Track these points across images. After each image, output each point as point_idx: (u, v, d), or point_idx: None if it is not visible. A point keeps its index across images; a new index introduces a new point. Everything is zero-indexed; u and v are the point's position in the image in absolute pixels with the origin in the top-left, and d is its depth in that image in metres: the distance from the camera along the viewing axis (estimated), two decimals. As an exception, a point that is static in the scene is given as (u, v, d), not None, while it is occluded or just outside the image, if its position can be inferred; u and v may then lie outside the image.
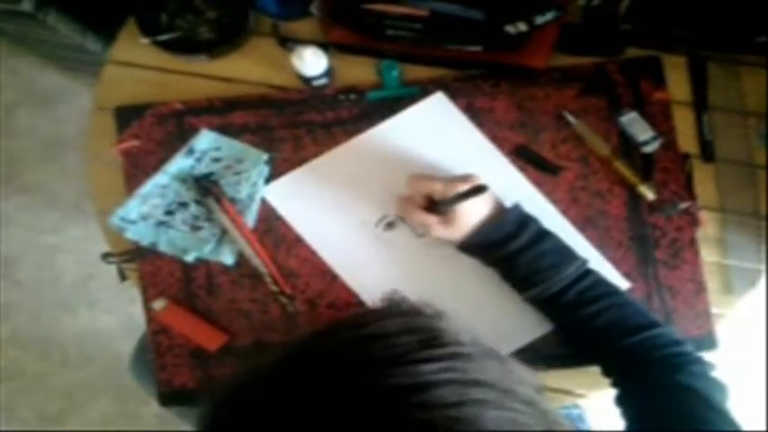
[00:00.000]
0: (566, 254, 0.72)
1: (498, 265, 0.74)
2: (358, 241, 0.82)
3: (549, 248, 0.71)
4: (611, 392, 0.70)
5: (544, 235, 0.72)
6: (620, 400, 0.67)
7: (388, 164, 0.83)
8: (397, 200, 0.79)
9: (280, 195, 0.83)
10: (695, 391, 0.62)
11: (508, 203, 0.75)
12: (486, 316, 0.78)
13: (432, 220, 0.74)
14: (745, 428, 0.58)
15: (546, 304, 0.73)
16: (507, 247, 0.71)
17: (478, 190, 0.70)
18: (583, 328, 0.71)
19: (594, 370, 0.73)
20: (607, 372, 0.71)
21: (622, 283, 0.79)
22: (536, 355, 0.79)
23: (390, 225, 0.82)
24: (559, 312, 0.73)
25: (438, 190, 0.73)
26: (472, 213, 0.72)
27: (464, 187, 0.70)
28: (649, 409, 0.63)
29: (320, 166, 0.84)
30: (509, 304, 0.77)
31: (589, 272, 0.71)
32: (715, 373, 0.66)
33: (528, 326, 0.78)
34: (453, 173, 0.77)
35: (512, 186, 0.81)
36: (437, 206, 0.74)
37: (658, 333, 0.67)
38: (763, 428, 1.37)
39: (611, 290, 0.71)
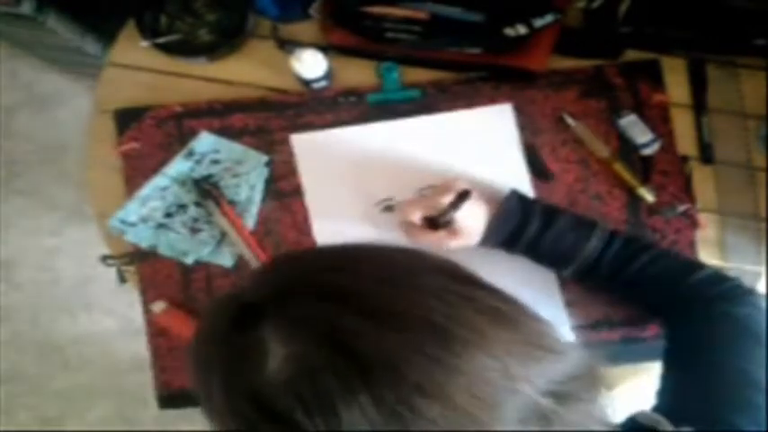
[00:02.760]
0: (583, 225, 0.72)
1: (525, 254, 0.74)
2: (350, 210, 0.82)
3: (563, 226, 0.71)
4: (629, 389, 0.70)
5: (553, 213, 0.72)
6: (672, 339, 0.67)
7: (422, 152, 0.83)
8: (403, 228, 0.78)
9: (305, 147, 0.84)
10: (742, 320, 0.62)
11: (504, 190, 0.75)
12: None
13: (440, 236, 0.74)
14: (744, 429, 0.58)
15: (589, 275, 0.73)
16: (524, 237, 0.72)
17: (464, 195, 0.70)
18: (632, 286, 0.71)
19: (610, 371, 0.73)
20: (668, 317, 0.70)
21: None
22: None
23: (389, 208, 0.82)
24: (606, 279, 0.72)
25: (428, 209, 0.73)
26: (471, 216, 0.72)
27: (449, 197, 0.71)
28: (697, 338, 0.63)
29: (356, 135, 0.84)
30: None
31: (614, 234, 0.71)
32: (765, 304, 0.65)
33: None
34: (475, 179, 0.77)
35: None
36: (437, 222, 0.73)
37: (705, 273, 0.67)
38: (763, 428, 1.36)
39: (643, 245, 0.71)
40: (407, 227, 0.77)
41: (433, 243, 0.74)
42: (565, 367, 0.39)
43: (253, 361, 0.36)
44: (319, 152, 0.83)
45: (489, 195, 0.75)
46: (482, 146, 0.83)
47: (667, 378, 0.61)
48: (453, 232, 0.73)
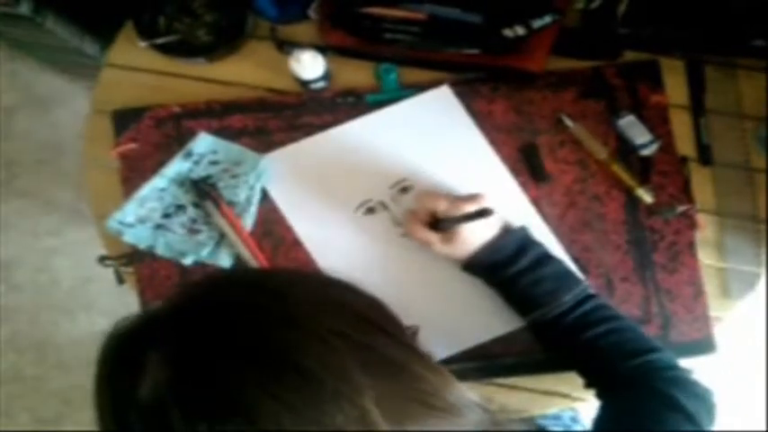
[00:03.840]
0: (566, 279, 0.71)
1: (498, 286, 0.74)
2: (334, 220, 0.82)
3: (548, 274, 0.71)
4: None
5: (545, 260, 0.72)
6: (603, 407, 0.66)
7: (381, 150, 0.83)
8: (403, 215, 0.79)
9: (270, 167, 0.83)
10: (678, 401, 0.60)
11: (516, 223, 0.75)
12: (455, 307, 0.79)
13: (433, 238, 0.73)
14: (745, 429, 0.58)
15: (545, 328, 0.72)
16: (507, 271, 0.71)
17: (484, 213, 0.69)
18: (582, 351, 0.70)
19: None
20: (597, 387, 0.70)
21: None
22: (531, 360, 0.79)
23: (370, 210, 0.82)
24: (558, 336, 0.72)
25: (442, 208, 0.72)
26: (475, 234, 0.72)
27: (470, 208, 0.70)
28: (628, 409, 0.63)
29: (313, 146, 0.84)
30: (478, 297, 0.77)
31: (590, 297, 0.70)
32: (709, 396, 0.64)
33: (497, 319, 0.78)
34: (443, 167, 0.77)
35: (498, 188, 0.82)
36: (440, 224, 0.73)
37: (657, 357, 0.66)
38: (763, 429, 1.37)
39: (611, 315, 0.70)
40: (409, 216, 0.77)
41: (424, 241, 0.74)
42: (456, 428, 0.39)
43: (127, 382, 0.37)
44: (282, 168, 0.83)
45: (501, 221, 0.74)
46: (436, 131, 0.84)
47: None
48: (448, 239, 0.72)
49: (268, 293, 0.41)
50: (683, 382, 0.65)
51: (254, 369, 0.35)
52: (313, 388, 0.35)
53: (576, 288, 0.70)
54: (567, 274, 0.72)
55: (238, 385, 0.34)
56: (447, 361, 0.78)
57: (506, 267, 0.71)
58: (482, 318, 0.79)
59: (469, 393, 0.42)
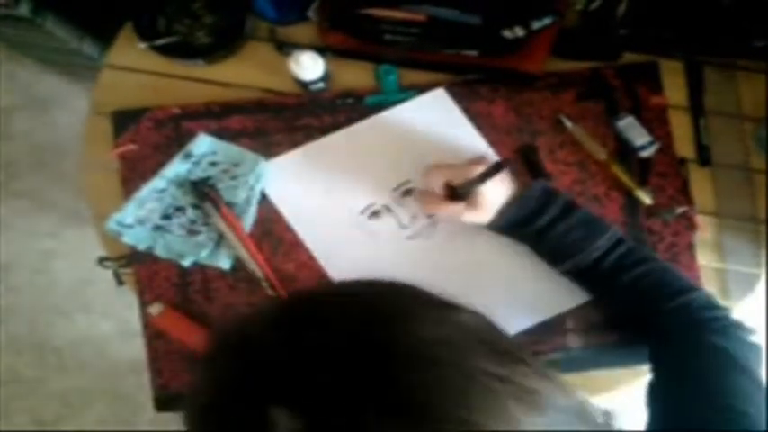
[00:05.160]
0: (596, 224, 0.72)
1: (529, 241, 0.74)
2: (340, 226, 0.82)
3: (578, 221, 0.71)
4: (629, 393, 0.70)
5: (572, 208, 0.72)
6: (657, 362, 0.67)
7: (382, 154, 0.83)
8: (417, 197, 0.79)
9: (272, 175, 0.84)
10: (730, 353, 0.62)
11: None
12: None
13: (458, 208, 0.73)
14: (744, 429, 0.58)
15: (582, 276, 0.73)
16: (535, 223, 0.71)
17: (498, 167, 0.70)
18: (623, 294, 0.71)
19: (610, 373, 0.75)
20: (647, 336, 0.71)
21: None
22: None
23: (375, 214, 0.82)
24: (597, 282, 0.72)
25: (456, 176, 0.72)
26: (497, 193, 0.72)
27: (481, 169, 0.71)
28: (683, 368, 0.63)
29: (314, 151, 0.84)
30: (491, 296, 0.77)
31: (622, 240, 0.71)
32: (752, 337, 0.65)
33: (513, 320, 0.78)
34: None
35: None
36: (458, 192, 0.73)
37: (697, 296, 0.67)
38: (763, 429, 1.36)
39: (647, 255, 0.71)
40: (425, 195, 0.77)
41: (449, 213, 0.74)
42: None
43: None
44: (284, 175, 0.83)
45: (511, 177, 0.75)
46: (434, 132, 0.83)
47: (656, 406, 0.61)
48: (473, 204, 0.72)
49: (388, 326, 0.37)
50: (725, 323, 0.66)
51: (397, 420, 0.32)
52: None
53: (607, 232, 0.71)
54: (596, 219, 0.73)
55: None
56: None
57: (535, 220, 0.71)
58: (498, 318, 0.78)
59: (587, 399, 0.40)
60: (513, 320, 0.78)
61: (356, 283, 0.42)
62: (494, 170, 0.70)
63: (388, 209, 0.82)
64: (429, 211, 0.79)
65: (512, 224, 0.74)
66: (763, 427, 0.55)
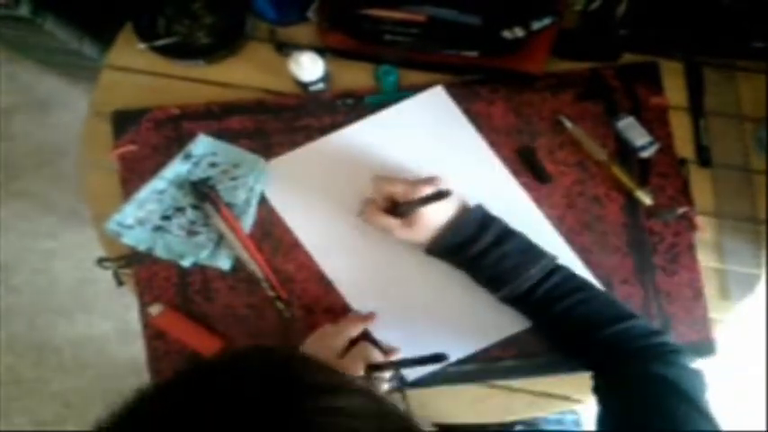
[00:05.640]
0: (531, 253, 0.71)
1: (464, 267, 0.74)
2: (337, 226, 0.82)
3: (512, 249, 0.71)
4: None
5: (507, 235, 0.72)
6: (597, 392, 0.66)
7: (379, 153, 0.83)
8: (360, 202, 0.79)
9: (270, 176, 0.84)
10: (669, 380, 0.61)
11: (473, 203, 0.75)
12: (459, 311, 0.79)
13: (393, 222, 0.73)
14: (744, 429, 0.57)
15: (517, 303, 0.73)
16: (470, 250, 0.71)
17: (441, 195, 0.69)
18: (557, 323, 0.70)
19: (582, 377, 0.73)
20: (587, 366, 0.70)
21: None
22: (533, 362, 0.79)
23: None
24: (532, 310, 0.72)
25: (400, 192, 0.72)
26: (434, 216, 0.72)
27: (427, 191, 0.71)
28: (624, 399, 0.62)
29: (310, 153, 0.84)
30: (481, 299, 0.77)
31: (557, 268, 0.71)
32: (692, 363, 0.64)
33: (502, 321, 0.78)
34: (437, 169, 0.77)
35: (499, 187, 0.82)
36: (399, 208, 0.73)
37: (632, 324, 0.67)
38: (763, 429, 1.36)
39: (582, 284, 0.70)
40: (366, 203, 0.77)
41: (383, 226, 0.74)
42: None
43: None
44: (281, 175, 0.83)
45: (459, 202, 0.74)
46: (433, 131, 0.84)
47: None
48: (408, 223, 0.72)
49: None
50: (663, 350, 0.65)
51: None
52: None
53: (542, 260, 0.70)
54: (532, 247, 0.72)
55: None
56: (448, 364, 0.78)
57: (469, 246, 0.71)
58: (489, 319, 0.79)
59: None
60: (463, 344, 0.79)
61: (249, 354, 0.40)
62: (436, 197, 0.70)
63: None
64: (365, 220, 0.78)
65: (446, 250, 0.73)
66: None
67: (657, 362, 0.63)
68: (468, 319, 0.79)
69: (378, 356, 0.72)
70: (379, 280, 0.80)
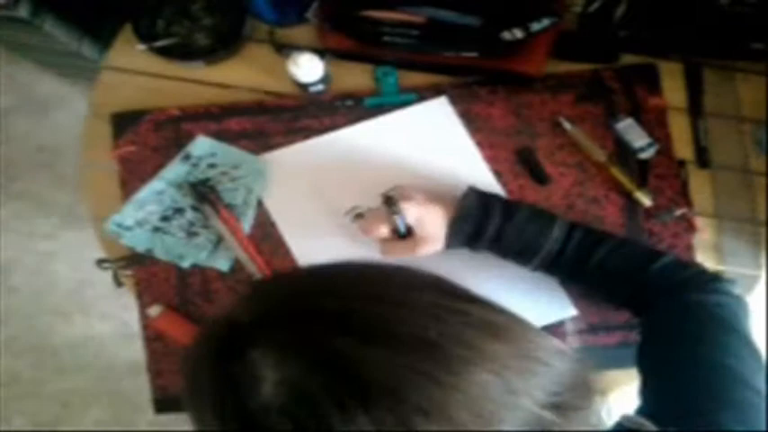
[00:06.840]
0: (543, 216, 0.72)
1: (489, 250, 0.74)
2: (322, 226, 0.82)
3: (524, 217, 0.71)
4: (625, 392, 0.70)
5: (512, 206, 0.72)
6: (646, 329, 0.66)
7: (374, 158, 0.83)
8: (380, 249, 0.77)
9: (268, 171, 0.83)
10: (709, 309, 0.61)
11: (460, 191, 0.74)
12: None
13: (409, 246, 0.73)
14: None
15: (553, 269, 0.72)
16: (486, 233, 0.71)
17: (387, 201, 0.71)
18: (595, 278, 0.70)
19: (609, 374, 0.75)
20: (636, 311, 0.70)
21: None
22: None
23: (360, 216, 0.79)
24: (568, 271, 0.72)
25: (381, 226, 0.73)
26: (432, 222, 0.72)
27: (378, 207, 0.72)
28: (665, 330, 0.63)
29: (305, 151, 0.84)
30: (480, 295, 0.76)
31: (574, 225, 0.71)
32: (736, 290, 0.64)
33: None
34: (436, 177, 0.77)
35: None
36: (399, 233, 0.73)
37: (667, 261, 0.67)
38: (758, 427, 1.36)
39: (602, 235, 0.71)
40: (381, 243, 0.76)
41: (404, 253, 0.74)
42: (561, 377, 0.39)
43: (245, 386, 0.36)
44: (273, 172, 0.83)
45: (445, 197, 0.74)
46: (431, 141, 0.83)
47: (647, 377, 0.60)
48: (419, 240, 0.72)
49: (353, 281, 0.42)
50: (705, 279, 0.66)
51: (381, 349, 0.36)
52: (446, 359, 0.36)
53: (556, 220, 0.71)
54: (539, 210, 0.72)
55: (374, 367, 0.35)
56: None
57: (484, 231, 0.71)
58: None
59: (558, 342, 0.43)
60: None
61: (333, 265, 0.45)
62: (387, 205, 0.71)
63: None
64: (390, 257, 0.77)
65: (465, 241, 0.73)
66: (756, 383, 0.53)
67: (698, 291, 0.64)
68: None
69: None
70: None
